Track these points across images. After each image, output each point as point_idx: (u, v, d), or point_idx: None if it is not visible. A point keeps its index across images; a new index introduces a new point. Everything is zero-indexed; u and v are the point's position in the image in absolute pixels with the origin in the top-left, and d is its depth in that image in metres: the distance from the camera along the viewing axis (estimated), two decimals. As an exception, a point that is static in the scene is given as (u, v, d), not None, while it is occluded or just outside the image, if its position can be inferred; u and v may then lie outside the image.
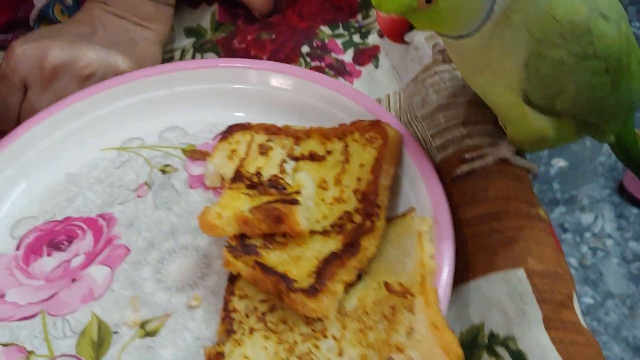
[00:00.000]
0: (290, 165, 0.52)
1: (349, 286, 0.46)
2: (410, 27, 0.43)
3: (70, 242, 0.52)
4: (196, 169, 0.56)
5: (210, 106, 0.60)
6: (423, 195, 0.49)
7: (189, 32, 0.70)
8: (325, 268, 0.45)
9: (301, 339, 0.44)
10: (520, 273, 0.45)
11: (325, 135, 0.54)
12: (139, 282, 0.50)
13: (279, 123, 0.56)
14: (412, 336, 0.41)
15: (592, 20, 0.41)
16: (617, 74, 0.44)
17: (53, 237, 0.53)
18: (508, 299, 0.44)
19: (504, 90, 0.45)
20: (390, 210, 0.51)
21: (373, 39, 0.66)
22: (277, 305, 0.46)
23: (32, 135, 0.56)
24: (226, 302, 0.47)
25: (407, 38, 0.44)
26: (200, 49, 0.68)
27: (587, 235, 1.44)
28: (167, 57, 0.68)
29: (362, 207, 0.49)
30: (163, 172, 0.56)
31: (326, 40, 0.65)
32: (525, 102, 0.45)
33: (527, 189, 0.50)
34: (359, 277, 0.47)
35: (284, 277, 0.45)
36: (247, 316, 0.46)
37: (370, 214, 0.48)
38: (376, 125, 0.52)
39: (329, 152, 0.53)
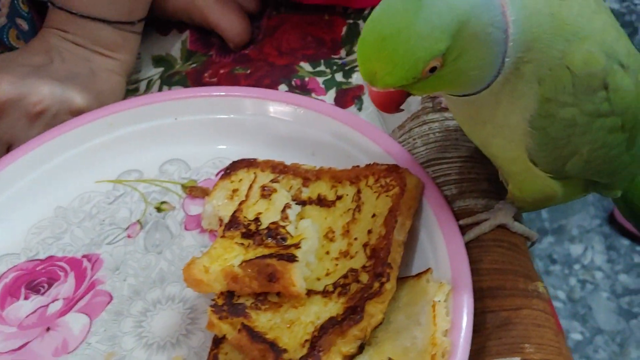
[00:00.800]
0: (294, 210, 0.47)
1: (349, 359, 0.40)
2: (408, 95, 0.37)
3: (50, 284, 0.48)
4: (194, 208, 0.51)
5: (216, 138, 0.55)
6: (442, 256, 0.43)
7: (157, 61, 0.64)
8: (322, 337, 0.39)
9: (288, 419, 0.38)
10: None
11: (337, 177, 0.48)
12: (118, 336, 0.45)
13: (290, 160, 0.50)
14: None
15: (610, 72, 0.35)
16: (634, 130, 0.38)
17: (33, 279, 0.48)
18: None
19: (507, 144, 0.39)
20: (403, 270, 0.44)
21: (357, 78, 0.59)
22: (264, 376, 0.41)
23: (21, 164, 0.52)
24: (208, 368, 0.41)
25: (403, 105, 0.38)
26: (167, 81, 0.62)
27: (576, 267, 1.37)
28: (131, 88, 0.62)
29: (371, 265, 0.43)
30: (158, 210, 0.51)
31: (306, 79, 0.59)
32: (531, 162, 0.39)
33: (524, 260, 0.44)
34: (362, 348, 0.40)
35: (272, 346, 0.39)
36: (230, 386, 0.40)
37: (380, 274, 0.41)
38: (394, 170, 0.46)
39: (339, 197, 0.47)
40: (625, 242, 1.40)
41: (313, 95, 0.59)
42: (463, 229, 0.45)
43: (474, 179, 0.47)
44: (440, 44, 0.32)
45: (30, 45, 0.58)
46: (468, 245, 0.44)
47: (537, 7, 0.34)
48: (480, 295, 0.42)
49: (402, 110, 0.39)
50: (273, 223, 0.45)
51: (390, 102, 0.37)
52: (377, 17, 0.34)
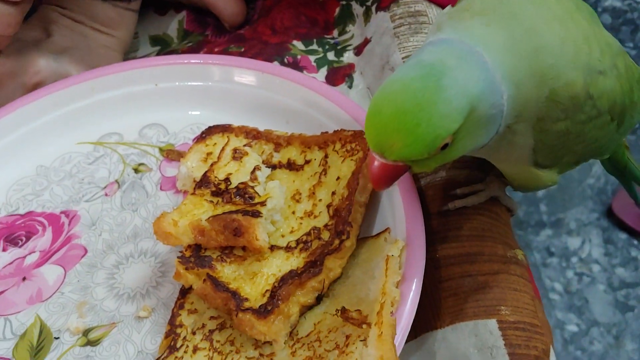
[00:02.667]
0: (264, 173, 0.48)
1: (306, 309, 0.42)
2: (406, 171, 0.37)
3: (28, 238, 0.50)
4: (170, 170, 0.53)
5: (195, 104, 0.56)
6: (400, 216, 0.44)
7: (155, 41, 0.66)
8: (281, 287, 0.41)
9: (246, 364, 0.40)
10: (492, 324, 0.40)
11: (306, 143, 0.50)
12: (90, 287, 0.47)
13: (264, 127, 0.52)
14: (359, 372, 0.37)
15: (590, 84, 0.37)
16: (622, 115, 0.40)
17: (12, 232, 0.50)
18: (477, 353, 0.40)
19: (513, 164, 0.41)
20: (365, 229, 0.46)
21: (348, 56, 0.60)
22: (227, 324, 0.43)
23: (5, 124, 0.54)
24: (173, 316, 0.43)
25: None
26: None
27: (574, 260, 1.38)
28: None
29: (333, 223, 0.45)
30: (136, 171, 0.53)
31: (298, 57, 0.61)
32: (534, 166, 0.41)
33: (504, 228, 0.45)
34: (319, 300, 0.43)
35: (234, 295, 0.41)
36: (193, 333, 0.42)
37: (341, 232, 0.44)
38: (359, 136, 0.48)
39: (307, 162, 0.49)
40: (623, 235, 1.41)
41: (305, 72, 0.60)
42: (459, 197, 0.46)
43: None
44: (456, 123, 0.33)
45: (29, 21, 0.59)
46: (450, 212, 0.46)
47: (520, 74, 0.35)
48: (459, 261, 0.43)
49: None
50: (242, 183, 0.47)
51: (391, 177, 0.37)
52: (394, 92, 0.34)
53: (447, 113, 0.33)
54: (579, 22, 0.38)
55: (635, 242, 1.40)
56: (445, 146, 0.34)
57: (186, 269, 0.43)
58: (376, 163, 0.35)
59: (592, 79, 0.37)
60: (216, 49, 0.63)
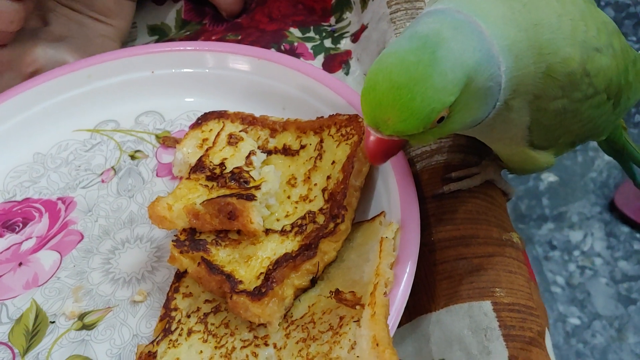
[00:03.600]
0: (259, 158, 0.48)
1: (301, 292, 0.42)
2: (403, 146, 0.37)
3: (25, 224, 0.50)
4: (167, 156, 0.53)
5: (192, 91, 0.57)
6: (394, 199, 0.44)
7: (153, 30, 0.66)
8: (276, 270, 0.41)
9: (240, 345, 0.40)
10: (486, 306, 0.40)
11: (301, 128, 0.50)
12: (86, 272, 0.47)
13: (260, 113, 0.52)
14: (352, 351, 0.37)
15: (587, 61, 0.37)
16: (618, 95, 0.40)
17: (9, 218, 0.50)
18: (471, 334, 0.39)
19: (507, 146, 0.41)
20: (360, 214, 0.46)
21: (345, 43, 0.60)
22: (221, 307, 0.43)
23: (3, 111, 0.54)
24: (168, 300, 0.43)
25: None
26: None
27: (576, 253, 1.38)
28: None
29: (328, 207, 0.45)
30: (132, 157, 0.53)
31: (295, 44, 0.61)
32: (529, 147, 0.41)
33: (499, 211, 0.45)
34: (314, 282, 0.42)
35: (229, 277, 0.41)
36: (187, 316, 0.42)
37: (335, 215, 0.44)
38: (354, 120, 0.48)
39: (303, 147, 0.49)
40: (625, 229, 1.40)
41: (301, 59, 0.60)
42: (454, 180, 0.46)
43: (452, 135, 0.48)
44: (452, 96, 0.33)
45: None
46: (445, 196, 0.45)
47: (519, 47, 0.35)
48: (454, 243, 0.43)
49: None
50: (237, 168, 0.47)
51: (387, 152, 0.36)
52: (389, 66, 0.33)
53: (443, 86, 0.33)
54: (576, 0, 0.38)
55: (638, 235, 1.40)
56: (441, 119, 0.34)
57: (181, 252, 0.43)
58: (372, 138, 0.35)
59: (588, 55, 0.37)
60: (213, 38, 0.63)
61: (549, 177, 1.46)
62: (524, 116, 0.37)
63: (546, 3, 0.36)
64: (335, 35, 0.61)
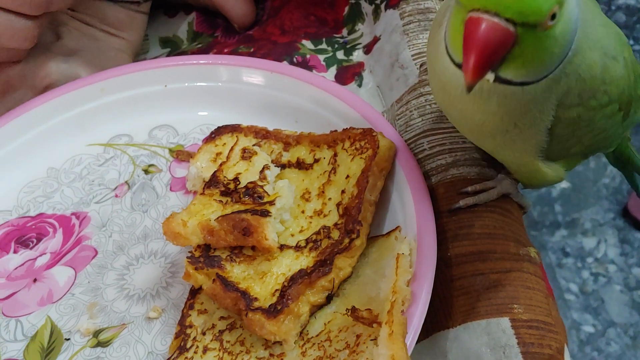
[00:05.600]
0: (273, 172, 0.48)
1: (316, 309, 0.42)
2: (504, 56, 0.33)
3: (39, 239, 0.50)
4: (180, 170, 0.53)
5: (206, 105, 0.56)
6: (410, 214, 0.44)
7: (165, 43, 0.66)
8: (291, 286, 0.41)
9: (256, 364, 0.40)
10: (505, 322, 0.40)
11: (315, 142, 0.50)
12: (101, 288, 0.47)
13: (273, 126, 0.52)
14: (370, 372, 0.37)
15: (605, 68, 0.36)
16: (628, 106, 0.40)
17: (23, 234, 0.50)
18: (490, 352, 0.39)
19: (517, 153, 0.40)
20: (375, 228, 0.46)
21: (358, 55, 0.60)
22: (236, 324, 0.42)
23: (16, 125, 0.54)
24: (183, 317, 0.43)
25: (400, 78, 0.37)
26: None
27: (589, 260, 1.37)
28: None
29: (343, 222, 0.44)
30: (146, 172, 0.53)
31: (308, 56, 0.60)
32: (541, 158, 0.40)
33: (516, 225, 0.44)
34: (330, 299, 0.42)
35: (244, 295, 0.41)
36: (203, 333, 0.42)
37: (350, 231, 0.43)
38: (368, 134, 0.47)
39: (317, 161, 0.49)
40: (639, 235, 1.40)
41: (314, 71, 0.59)
42: (470, 194, 0.45)
43: (467, 148, 0.48)
44: None
45: None
46: (460, 210, 0.45)
47: (584, 21, 0.35)
48: (471, 259, 0.43)
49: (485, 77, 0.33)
50: (251, 182, 0.47)
51: (496, 49, 0.31)
52: None
53: None
54: (597, 8, 0.38)
55: (652, 241, 1.39)
56: (553, 17, 0.32)
57: (195, 269, 0.43)
58: (484, 25, 0.31)
59: (606, 63, 0.37)
60: (226, 50, 0.63)
61: (562, 184, 1.45)
62: (550, 114, 0.36)
63: (586, 4, 0.36)
64: (348, 47, 0.61)
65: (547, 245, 1.37)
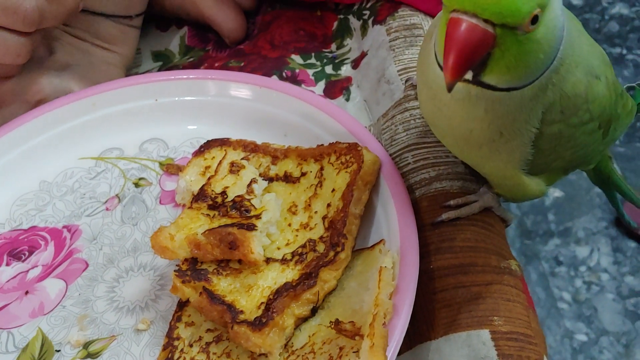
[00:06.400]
0: (260, 185, 0.49)
1: (301, 321, 0.43)
2: (485, 56, 0.33)
3: (31, 252, 0.50)
4: (170, 184, 0.54)
5: (194, 119, 0.57)
6: (394, 227, 0.45)
7: (157, 56, 0.67)
8: (276, 299, 0.42)
9: (242, 375, 0.41)
10: (485, 334, 0.40)
11: (302, 155, 0.51)
12: (91, 300, 0.47)
13: (262, 140, 0.53)
14: (351, 384, 0.37)
15: (589, 87, 0.38)
16: (608, 124, 0.41)
17: (16, 247, 0.51)
18: None
19: (501, 165, 0.40)
20: (361, 240, 0.47)
21: (346, 70, 0.61)
22: (223, 336, 0.43)
23: (8, 140, 0.55)
24: (171, 329, 0.44)
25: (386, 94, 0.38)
26: None
27: (582, 269, 1.37)
28: None
29: (328, 235, 0.45)
30: (136, 185, 0.54)
31: (297, 70, 0.61)
32: (523, 172, 0.41)
33: (498, 238, 0.45)
34: (314, 312, 0.43)
35: (230, 307, 0.42)
36: (190, 345, 0.43)
37: (335, 244, 0.44)
38: (353, 148, 0.48)
39: (304, 174, 0.50)
40: (632, 244, 1.40)
41: (303, 86, 0.60)
42: (453, 208, 0.46)
43: (451, 162, 0.49)
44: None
45: None
46: (443, 224, 0.46)
47: (571, 35, 0.36)
48: (453, 272, 0.44)
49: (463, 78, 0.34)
50: (238, 196, 0.48)
51: (473, 50, 0.32)
52: None
53: None
54: (582, 29, 0.40)
55: (645, 250, 1.40)
56: (534, 21, 0.32)
57: (183, 282, 0.44)
58: (463, 25, 0.31)
59: (590, 82, 0.38)
60: (217, 64, 0.64)
61: (555, 193, 1.46)
62: (536, 119, 0.37)
63: (573, 21, 0.38)
64: (336, 61, 0.62)
65: (540, 254, 1.37)
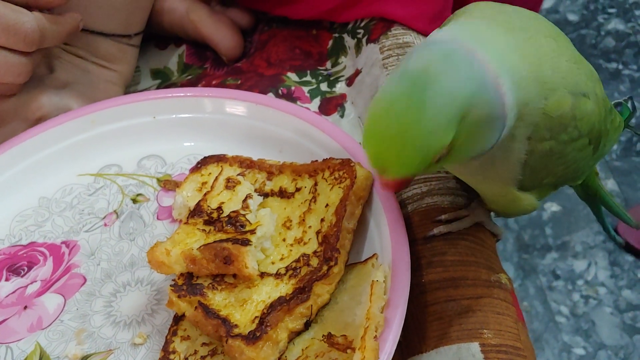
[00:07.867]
0: (256, 201, 0.50)
1: (295, 335, 0.44)
2: (414, 176, 0.37)
3: (30, 267, 0.51)
4: (167, 199, 0.55)
5: (192, 136, 0.58)
6: (386, 242, 0.46)
7: (156, 74, 0.68)
8: (270, 313, 0.42)
9: (236, 389, 0.42)
10: (475, 347, 0.41)
11: (297, 171, 0.51)
12: (89, 315, 0.48)
13: (258, 156, 0.54)
14: (343, 397, 0.38)
15: (576, 105, 0.38)
16: (598, 140, 0.42)
17: (15, 262, 0.52)
18: None
19: (496, 184, 0.42)
20: (355, 255, 0.48)
21: (340, 87, 0.62)
22: (218, 350, 0.44)
23: (9, 156, 0.56)
24: (167, 343, 0.45)
25: None
26: None
27: (580, 282, 1.38)
28: None
29: (322, 250, 0.46)
30: (134, 201, 0.55)
31: (292, 88, 0.62)
32: (516, 188, 0.42)
33: (488, 252, 0.46)
34: (308, 325, 0.44)
35: (225, 321, 0.43)
36: (186, 359, 0.44)
37: (329, 258, 0.45)
38: (346, 164, 0.49)
39: (298, 190, 0.51)
40: (629, 258, 1.41)
41: (298, 103, 0.61)
42: (444, 222, 0.47)
43: (442, 178, 0.50)
44: (448, 136, 0.32)
45: None
46: (435, 238, 0.47)
47: (524, 75, 0.35)
48: (444, 285, 0.44)
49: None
50: (234, 212, 0.49)
51: (397, 188, 0.38)
52: (381, 114, 0.34)
53: (436, 127, 0.32)
54: (568, 44, 0.40)
55: (642, 264, 1.41)
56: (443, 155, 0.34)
57: (179, 296, 0.44)
58: (380, 180, 0.36)
59: (577, 100, 0.38)
60: (214, 82, 0.65)
61: (552, 207, 1.47)
62: (523, 149, 0.38)
63: (546, 41, 0.37)
64: (331, 79, 0.63)
65: (537, 268, 1.38)
